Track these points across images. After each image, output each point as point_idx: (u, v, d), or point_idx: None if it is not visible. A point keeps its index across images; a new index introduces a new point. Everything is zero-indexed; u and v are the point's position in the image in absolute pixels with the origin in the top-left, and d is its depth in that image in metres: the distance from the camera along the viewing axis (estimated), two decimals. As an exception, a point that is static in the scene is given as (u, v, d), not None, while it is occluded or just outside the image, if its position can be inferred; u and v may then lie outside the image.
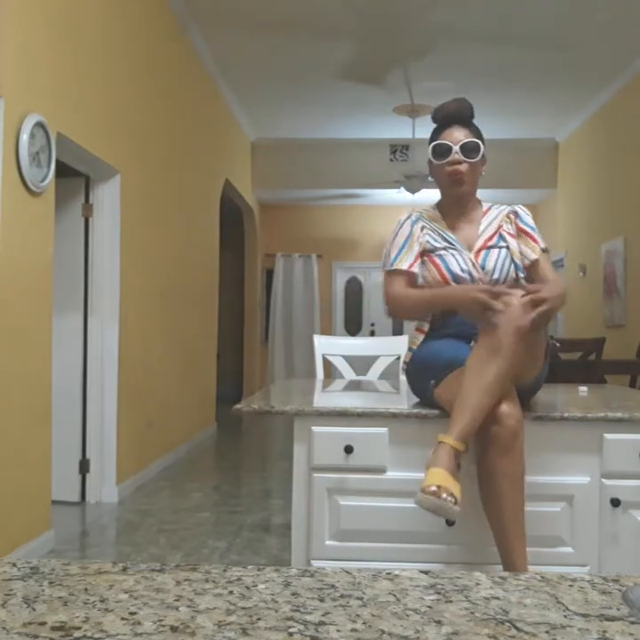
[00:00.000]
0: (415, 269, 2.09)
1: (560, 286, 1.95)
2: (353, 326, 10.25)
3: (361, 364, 3.14)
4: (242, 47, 6.06)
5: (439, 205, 2.20)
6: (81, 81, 3.66)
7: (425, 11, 5.35)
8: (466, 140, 2.07)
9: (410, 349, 2.13)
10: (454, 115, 2.12)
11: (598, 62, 6.26)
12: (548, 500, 1.85)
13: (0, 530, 2.90)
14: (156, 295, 5.05)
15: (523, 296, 1.74)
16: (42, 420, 3.30)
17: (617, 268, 6.70)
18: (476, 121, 2.13)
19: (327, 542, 1.88)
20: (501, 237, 2.10)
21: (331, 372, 3.44)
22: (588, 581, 0.69)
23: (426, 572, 0.71)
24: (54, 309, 3.44)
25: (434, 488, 1.59)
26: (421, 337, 2.10)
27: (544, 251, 2.11)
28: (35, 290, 3.20)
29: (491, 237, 2.10)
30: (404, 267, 2.09)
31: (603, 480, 1.85)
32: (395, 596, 0.65)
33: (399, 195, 8.31)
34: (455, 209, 2.15)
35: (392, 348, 3.12)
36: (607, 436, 1.84)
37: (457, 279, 2.04)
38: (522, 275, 2.08)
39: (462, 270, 2.04)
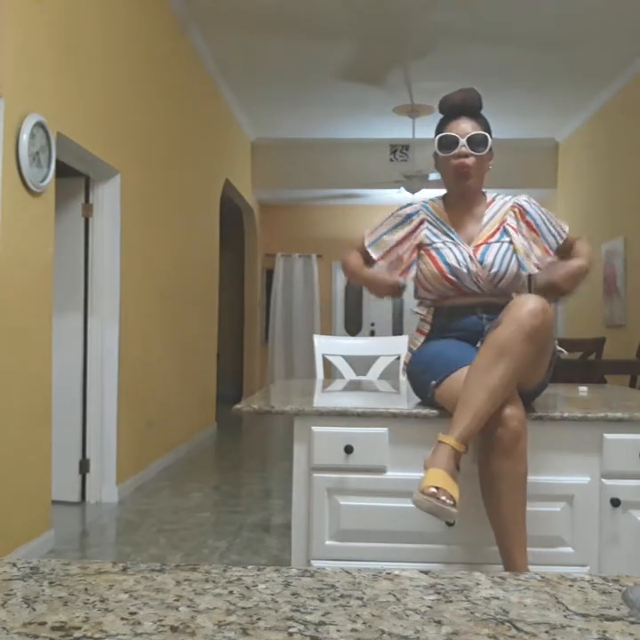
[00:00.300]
0: (378, 264, 2.15)
1: (574, 266, 1.96)
2: (353, 326, 10.24)
3: (361, 364, 3.14)
4: (242, 47, 6.06)
5: (444, 198, 2.17)
6: (81, 81, 3.66)
7: (425, 11, 5.35)
8: (473, 133, 2.02)
9: (410, 350, 2.12)
10: (460, 106, 2.06)
11: (598, 62, 6.26)
12: (548, 499, 1.84)
13: (0, 530, 2.90)
14: (156, 295, 5.05)
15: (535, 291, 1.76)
16: (42, 420, 3.30)
17: (617, 268, 6.70)
18: (476, 120, 2.10)
19: (327, 542, 1.88)
20: (505, 232, 2.06)
21: (331, 372, 3.44)
22: (588, 581, 0.69)
23: (426, 572, 0.70)
24: (54, 309, 3.44)
25: (433, 489, 1.56)
26: (422, 338, 2.09)
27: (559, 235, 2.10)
28: (35, 290, 3.20)
29: (493, 234, 2.06)
30: (374, 255, 2.16)
31: (603, 480, 1.84)
32: (395, 596, 0.65)
33: (399, 195, 8.30)
34: (460, 203, 2.11)
35: (392, 348, 3.12)
36: (607, 435, 1.83)
37: (454, 272, 2.01)
38: (523, 271, 2.04)
39: (459, 263, 2.01)
